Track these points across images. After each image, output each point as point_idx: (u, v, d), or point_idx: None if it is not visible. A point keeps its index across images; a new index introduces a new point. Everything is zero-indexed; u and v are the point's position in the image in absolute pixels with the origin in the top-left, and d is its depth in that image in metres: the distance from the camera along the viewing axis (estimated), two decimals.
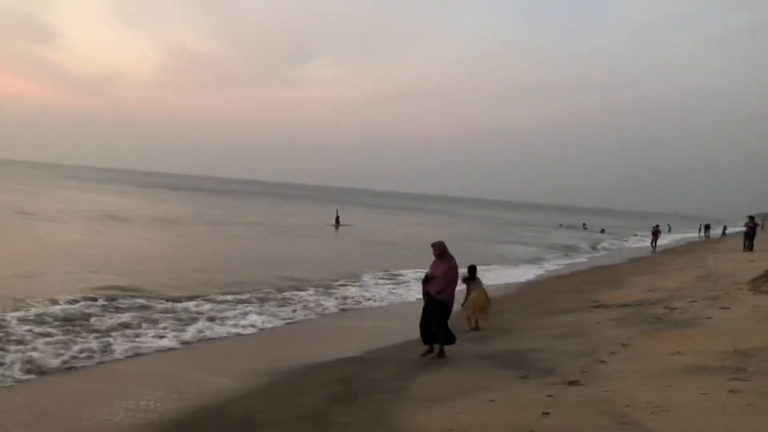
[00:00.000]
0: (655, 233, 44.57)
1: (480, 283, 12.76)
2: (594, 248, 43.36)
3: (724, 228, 68.21)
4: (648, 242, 46.69)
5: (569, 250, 40.04)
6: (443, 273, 9.67)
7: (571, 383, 7.18)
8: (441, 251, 9.85)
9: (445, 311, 9.70)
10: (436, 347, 9.77)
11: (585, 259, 34.37)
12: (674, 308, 12.55)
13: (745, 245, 30.48)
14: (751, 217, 31.83)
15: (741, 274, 18.07)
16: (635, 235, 62.66)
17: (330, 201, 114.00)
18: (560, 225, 77.22)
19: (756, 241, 31.27)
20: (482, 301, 12.53)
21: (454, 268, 9.84)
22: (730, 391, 6.05)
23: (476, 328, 12.52)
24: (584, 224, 75.99)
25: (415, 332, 11.14)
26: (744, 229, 33.09)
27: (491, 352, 9.92)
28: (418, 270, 19.22)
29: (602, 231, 66.43)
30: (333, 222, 46.03)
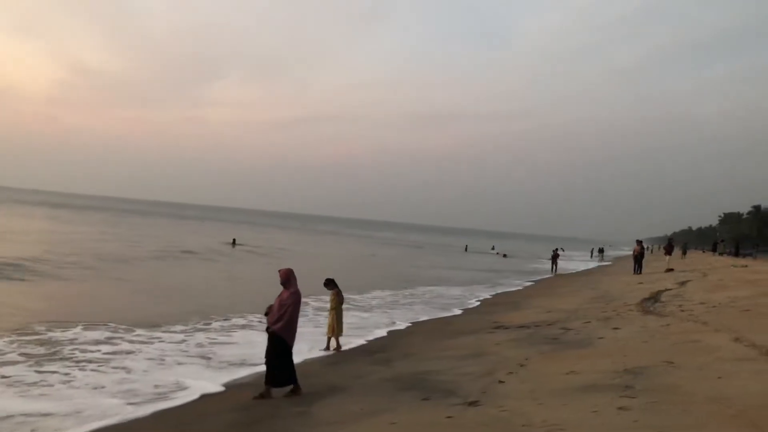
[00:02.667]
0: (555, 257, 45.91)
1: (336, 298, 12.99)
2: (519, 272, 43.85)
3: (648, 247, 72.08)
4: (547, 265, 48.15)
5: (492, 274, 40.64)
6: (280, 303, 8.93)
7: (471, 404, 7.31)
8: (284, 279, 9.06)
9: (279, 345, 8.85)
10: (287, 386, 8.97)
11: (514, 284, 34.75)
12: (569, 329, 13.06)
13: (634, 268, 32.12)
14: (639, 241, 33.67)
15: (630, 296, 19.07)
16: (549, 258, 64.43)
17: (237, 222, 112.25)
18: (466, 247, 78.59)
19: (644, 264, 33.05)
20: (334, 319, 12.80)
21: (293, 296, 8.96)
22: (619, 408, 6.32)
23: (337, 349, 12.72)
24: (493, 247, 77.93)
25: (314, 353, 11.15)
26: (633, 252, 34.90)
27: (394, 375, 9.96)
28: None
29: (504, 255, 68.26)
30: (230, 241, 47.71)
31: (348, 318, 16.09)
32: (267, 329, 9.00)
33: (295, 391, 8.94)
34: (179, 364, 11.03)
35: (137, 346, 12.09)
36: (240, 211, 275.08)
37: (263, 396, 8.76)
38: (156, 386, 9.39)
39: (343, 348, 12.99)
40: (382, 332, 15.33)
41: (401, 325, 16.50)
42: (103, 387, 9.21)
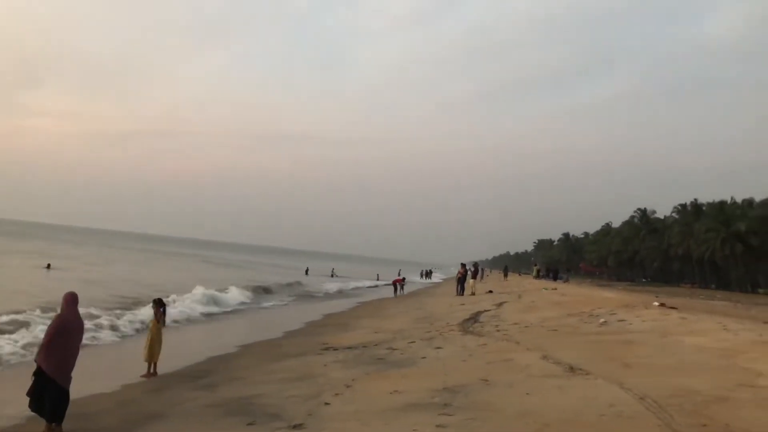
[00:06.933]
0: (398, 281, 45.58)
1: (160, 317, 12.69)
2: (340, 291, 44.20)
3: (481, 269, 74.40)
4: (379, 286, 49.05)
5: (324, 296, 40.86)
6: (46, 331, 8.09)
7: (295, 427, 7.27)
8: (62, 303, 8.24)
9: (38, 376, 7.82)
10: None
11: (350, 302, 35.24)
12: (395, 349, 13.43)
13: (457, 290, 33.68)
14: (463, 264, 35.50)
15: (453, 316, 20.01)
16: (378, 280, 65.82)
17: (61, 242, 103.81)
18: (307, 270, 76.81)
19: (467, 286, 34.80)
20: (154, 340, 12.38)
21: (54, 320, 8.11)
22: (437, 426, 6.59)
23: (154, 374, 12.25)
24: (333, 270, 77.81)
25: (133, 380, 10.51)
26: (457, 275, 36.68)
27: (219, 400, 9.66)
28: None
29: (333, 275, 68.93)
30: (44, 265, 41.85)
31: (170, 341, 15.52)
32: None
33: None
34: None
35: None
36: (64, 228, 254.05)
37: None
38: None
39: (166, 372, 12.38)
40: (206, 355, 14.81)
41: (227, 349, 16.04)
42: None
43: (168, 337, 13.46)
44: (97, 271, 43.06)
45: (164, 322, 13.00)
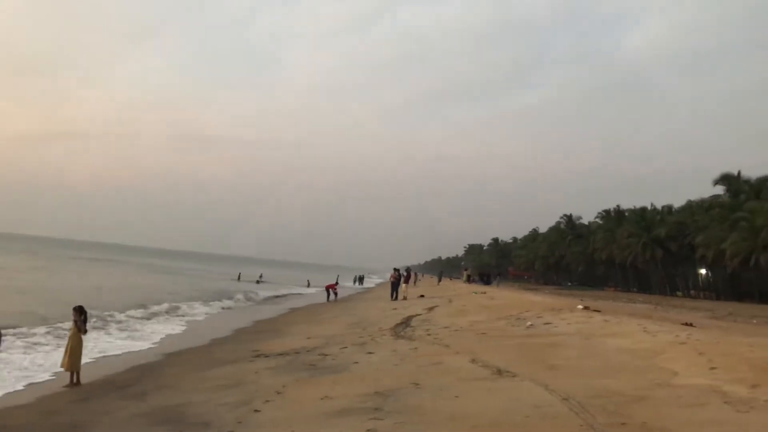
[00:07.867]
0: (330, 286, 45.13)
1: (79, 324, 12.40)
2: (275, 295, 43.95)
3: (414, 274, 74.25)
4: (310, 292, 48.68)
5: (255, 301, 40.49)
6: None
7: None
8: None
9: None
10: None
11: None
12: (327, 354, 13.42)
13: (391, 294, 33.88)
14: (396, 269, 35.76)
15: (385, 321, 20.14)
16: (309, 286, 65.26)
17: None
18: (239, 276, 75.34)
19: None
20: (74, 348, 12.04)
21: None
22: (368, 430, 6.64)
23: (77, 383, 11.90)
24: (261, 276, 76.68)
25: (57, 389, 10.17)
26: (390, 279, 36.91)
27: (147, 409, 9.45)
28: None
29: (258, 281, 67.96)
30: None
31: (93, 345, 15.13)
32: None
33: None
34: None
35: None
36: None
37: None
38: None
39: (90, 381, 12.00)
40: (133, 363, 14.43)
41: (153, 357, 15.66)
42: None
43: (90, 346, 13.05)
44: (22, 279, 41.24)
45: (85, 330, 12.62)
